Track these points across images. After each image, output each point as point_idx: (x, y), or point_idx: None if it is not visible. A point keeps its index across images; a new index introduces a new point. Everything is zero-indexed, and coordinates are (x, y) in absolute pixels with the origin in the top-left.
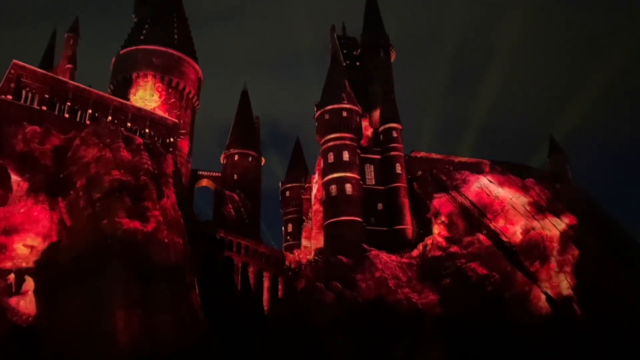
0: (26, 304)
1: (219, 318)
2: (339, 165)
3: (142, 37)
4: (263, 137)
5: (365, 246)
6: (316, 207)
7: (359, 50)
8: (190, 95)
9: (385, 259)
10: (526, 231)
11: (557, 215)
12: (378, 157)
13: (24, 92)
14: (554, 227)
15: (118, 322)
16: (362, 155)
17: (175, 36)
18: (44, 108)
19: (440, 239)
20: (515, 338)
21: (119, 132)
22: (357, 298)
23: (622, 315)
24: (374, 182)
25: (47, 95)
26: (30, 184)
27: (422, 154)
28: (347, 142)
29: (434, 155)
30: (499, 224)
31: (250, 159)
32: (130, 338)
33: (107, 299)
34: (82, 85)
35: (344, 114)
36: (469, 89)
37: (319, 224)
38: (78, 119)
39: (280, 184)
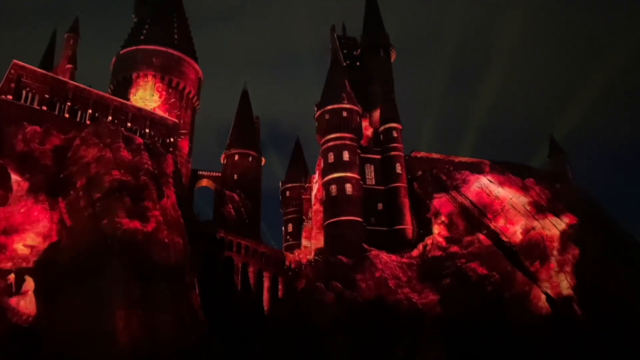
0: (26, 304)
1: (219, 318)
2: (339, 165)
3: (142, 37)
4: (263, 137)
5: (366, 246)
6: (316, 207)
7: (359, 50)
8: (191, 95)
9: (385, 259)
10: (526, 231)
11: (557, 215)
12: (378, 157)
13: (24, 92)
14: (554, 227)
15: (118, 322)
16: (362, 155)
17: (175, 36)
18: (44, 108)
19: (440, 239)
20: (515, 338)
21: (119, 132)
22: (357, 298)
23: (622, 315)
24: (374, 182)
25: (47, 95)
26: (31, 184)
27: (422, 154)
28: (347, 142)
29: (434, 155)
30: (499, 224)
31: (250, 159)
32: (130, 338)
33: (107, 299)
34: (82, 85)
35: (344, 114)
36: (469, 88)
37: (319, 224)
38: (78, 119)
39: (280, 184)
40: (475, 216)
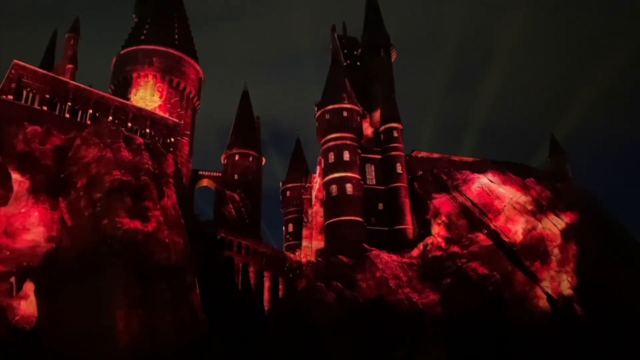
0: (27, 304)
1: (219, 318)
2: (339, 165)
3: (142, 37)
4: (264, 137)
5: (366, 246)
6: (317, 207)
7: (360, 50)
8: (191, 95)
9: (385, 259)
10: (527, 231)
11: (558, 214)
12: (379, 157)
13: (24, 92)
14: (555, 226)
15: (118, 322)
16: (362, 155)
17: (176, 36)
18: (45, 108)
19: (440, 239)
20: (515, 338)
21: (120, 132)
22: (357, 298)
23: (623, 315)
24: (374, 182)
25: (47, 95)
26: (31, 184)
27: (423, 153)
28: (348, 142)
29: (434, 155)
30: (499, 224)
31: (250, 158)
32: (131, 338)
33: (108, 299)
34: (82, 85)
35: (345, 113)
36: (469, 88)
37: (320, 224)
38: (79, 119)
39: (280, 184)
40: (476, 216)
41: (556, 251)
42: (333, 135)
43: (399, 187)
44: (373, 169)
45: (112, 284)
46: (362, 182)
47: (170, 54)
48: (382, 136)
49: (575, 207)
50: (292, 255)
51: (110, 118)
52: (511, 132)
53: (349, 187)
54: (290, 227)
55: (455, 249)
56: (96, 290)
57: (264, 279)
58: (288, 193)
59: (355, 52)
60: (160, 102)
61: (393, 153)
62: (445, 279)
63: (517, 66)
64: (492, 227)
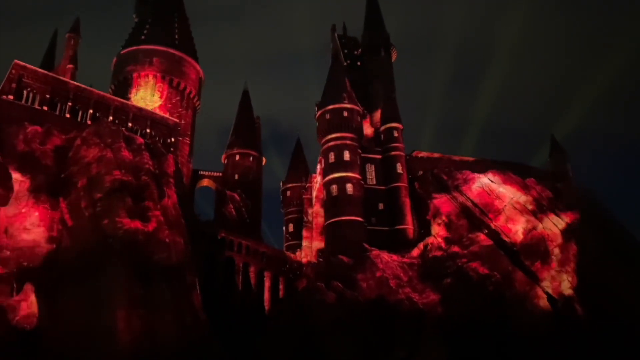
0: (27, 304)
1: (220, 318)
2: (339, 165)
3: (143, 37)
4: (264, 137)
5: (366, 246)
6: (317, 207)
7: (360, 50)
8: (191, 95)
9: (386, 259)
10: (527, 231)
11: (558, 214)
12: (379, 156)
13: (25, 92)
14: (555, 226)
15: (119, 322)
16: (363, 155)
17: (176, 36)
18: (45, 108)
19: (441, 239)
20: (516, 337)
21: (120, 132)
22: (358, 298)
23: (623, 315)
24: (375, 182)
25: (48, 96)
26: (32, 184)
27: (423, 153)
28: (348, 141)
29: (435, 155)
30: (500, 224)
31: (251, 158)
32: (131, 338)
33: (108, 299)
34: (83, 85)
35: (345, 113)
36: (469, 88)
37: (320, 224)
38: (79, 119)
39: (281, 184)
40: (476, 216)
41: (557, 251)
42: (333, 135)
43: (399, 187)
44: (373, 168)
45: (112, 284)
46: (362, 182)
47: (170, 54)
48: (382, 136)
49: (575, 207)
50: (292, 255)
51: (111, 118)
52: (511, 131)
53: (349, 187)
54: (291, 227)
55: (456, 248)
56: (97, 290)
57: (265, 279)
58: (288, 193)
59: (356, 52)
60: (160, 102)
61: (393, 153)
62: (446, 279)
63: (517, 66)
64: (493, 227)
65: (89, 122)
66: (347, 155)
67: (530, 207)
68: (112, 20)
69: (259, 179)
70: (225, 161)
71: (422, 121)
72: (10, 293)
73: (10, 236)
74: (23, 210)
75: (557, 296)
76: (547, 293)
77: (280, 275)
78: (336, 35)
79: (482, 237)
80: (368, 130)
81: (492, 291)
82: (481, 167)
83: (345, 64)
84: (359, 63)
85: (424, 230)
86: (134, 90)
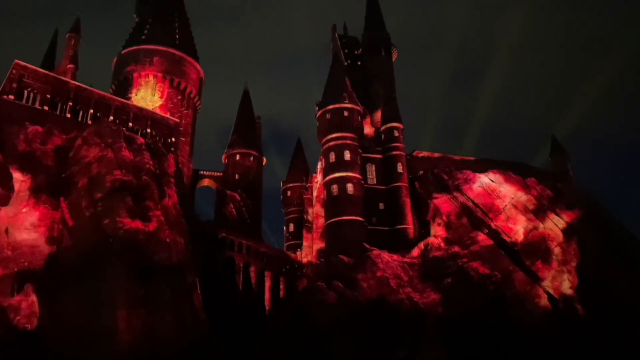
0: (27, 304)
1: (221, 318)
2: (340, 164)
3: (143, 37)
4: (264, 136)
5: (367, 246)
6: (317, 207)
7: (360, 50)
8: (192, 95)
9: (386, 259)
10: (528, 230)
11: (559, 214)
12: (379, 156)
13: (25, 92)
14: (556, 226)
15: (119, 321)
16: (363, 154)
17: (177, 36)
18: (46, 108)
19: (441, 239)
20: (516, 337)
21: (121, 132)
22: (358, 298)
23: (624, 315)
24: (375, 182)
25: (49, 95)
26: (32, 184)
27: (424, 153)
28: (349, 141)
29: (435, 155)
30: (500, 223)
31: (251, 158)
32: (132, 338)
33: (109, 299)
34: (83, 85)
35: (346, 113)
36: (470, 88)
37: (320, 224)
38: (80, 119)
39: (281, 184)
40: (477, 215)
41: (557, 250)
42: (334, 135)
43: (399, 187)
44: (374, 168)
45: (113, 283)
46: (362, 182)
47: (171, 53)
48: (382, 136)
49: (576, 207)
50: (293, 255)
51: (111, 118)
52: (512, 131)
53: (349, 187)
54: (291, 227)
55: (456, 248)
56: (97, 290)
57: (265, 278)
58: (289, 193)
59: (356, 52)
60: (161, 102)
61: (394, 153)
62: (446, 279)
63: (517, 66)
64: (493, 226)
65: (89, 122)
66: (347, 155)
67: (530, 206)
68: (112, 20)
69: (259, 179)
70: (226, 161)
71: (423, 121)
72: (11, 293)
73: (10, 236)
74: (24, 210)
75: (557, 296)
76: (547, 293)
77: (280, 275)
78: (337, 35)
79: (482, 237)
80: (368, 130)
81: (492, 291)
82: (482, 166)
83: (345, 63)
84: (359, 63)
85: (424, 230)
86: (134, 90)
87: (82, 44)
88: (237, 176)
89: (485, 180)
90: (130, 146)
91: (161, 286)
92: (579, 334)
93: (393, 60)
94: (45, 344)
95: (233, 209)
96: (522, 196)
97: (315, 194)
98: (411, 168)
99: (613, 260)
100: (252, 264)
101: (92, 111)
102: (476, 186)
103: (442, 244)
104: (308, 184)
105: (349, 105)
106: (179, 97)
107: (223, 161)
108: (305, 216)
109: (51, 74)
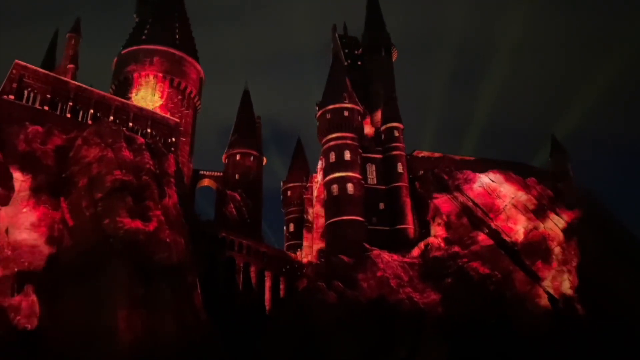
0: (27, 304)
1: (221, 318)
2: (340, 164)
3: (143, 37)
4: (264, 136)
5: (367, 246)
6: (317, 207)
7: (360, 50)
8: (192, 95)
9: (386, 259)
10: (528, 230)
11: (559, 214)
12: (380, 156)
13: (26, 92)
14: (556, 226)
15: (120, 321)
16: (363, 154)
17: (177, 36)
18: (46, 108)
19: (441, 239)
20: (516, 337)
21: (121, 132)
22: (358, 298)
23: (624, 315)
24: (375, 182)
25: (49, 95)
26: (33, 184)
27: (424, 153)
28: (349, 141)
29: (435, 155)
30: (500, 223)
31: (251, 158)
32: (132, 338)
33: (109, 299)
34: (84, 85)
35: (346, 113)
36: (470, 88)
37: (321, 223)
38: (80, 119)
39: (281, 184)
40: (477, 215)
41: (557, 250)
42: (334, 135)
43: (400, 187)
44: (374, 168)
45: (113, 283)
46: (363, 182)
47: (171, 53)
48: (383, 136)
49: (576, 207)
50: (293, 255)
51: (112, 118)
52: (512, 131)
53: (350, 187)
54: (291, 227)
55: (456, 248)
56: (97, 290)
57: (265, 278)
58: (289, 193)
59: (356, 52)
60: (161, 102)
61: (394, 153)
62: (446, 279)
63: (517, 66)
64: (493, 226)
65: (89, 122)
66: (347, 155)
67: (531, 206)
68: (112, 20)
69: (259, 179)
70: (226, 161)
71: (423, 121)
72: (11, 293)
73: (11, 236)
74: (24, 210)
75: (557, 296)
76: (547, 293)
77: (281, 275)
78: (337, 35)
79: (482, 237)
80: (369, 130)
81: (492, 291)
82: (482, 166)
83: (345, 63)
84: (359, 63)
85: (424, 230)
86: (134, 90)
87: (82, 44)
88: (237, 176)
89: (485, 180)
90: (131, 146)
91: (161, 286)
92: (579, 334)
93: (393, 60)
94: (45, 344)
95: (233, 209)
96: (522, 196)
97: (315, 194)
98: (411, 168)
99: (613, 260)
100: (252, 264)
101: (92, 111)
102: (476, 186)
103: (442, 244)
104: (308, 184)
105: (349, 105)
106: (179, 97)
107: (223, 161)
108: (305, 216)
109: (51, 74)
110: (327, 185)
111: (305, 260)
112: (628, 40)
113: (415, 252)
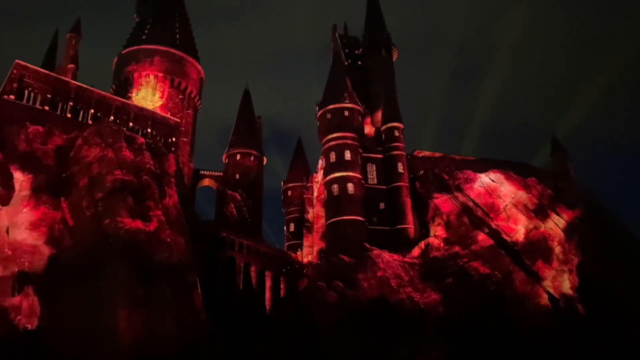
0: (28, 304)
1: (221, 318)
2: (340, 164)
3: (144, 37)
4: (265, 136)
5: (367, 245)
6: (318, 206)
7: (361, 50)
8: (192, 95)
9: (387, 259)
10: (528, 230)
11: (559, 214)
12: (380, 156)
13: (26, 92)
14: (556, 226)
15: (120, 321)
16: (364, 154)
17: (177, 36)
18: (47, 108)
19: (441, 239)
20: (517, 337)
21: (121, 132)
22: (359, 297)
23: (624, 315)
24: (376, 182)
25: (49, 95)
26: (33, 184)
27: (424, 153)
28: (349, 141)
29: (436, 155)
30: (501, 223)
31: (252, 158)
32: (132, 338)
33: (109, 299)
34: (84, 85)
35: (346, 113)
36: (470, 88)
37: (321, 223)
38: (80, 119)
39: (282, 184)
40: (477, 215)
41: (558, 250)
42: (334, 135)
43: (400, 187)
44: (374, 168)
45: (113, 283)
46: (363, 182)
47: (171, 53)
48: (383, 136)
49: (576, 206)
50: (293, 255)
51: (112, 118)
52: (512, 131)
53: (350, 187)
54: (292, 227)
55: (457, 248)
56: (97, 290)
57: (266, 278)
58: (289, 193)
59: (356, 52)
60: (161, 102)
61: (394, 152)
62: (447, 279)
63: (518, 66)
64: (494, 226)
65: (90, 122)
66: (348, 155)
67: (531, 206)
68: (112, 20)
69: (260, 179)
70: (226, 161)
71: (423, 121)
72: (12, 293)
73: (11, 236)
74: (24, 210)
75: (558, 295)
76: (548, 292)
77: (281, 275)
78: (337, 35)
79: (483, 237)
80: (369, 129)
81: (493, 291)
82: (482, 166)
83: (346, 63)
84: (359, 63)
85: (425, 229)
86: (135, 90)
87: (82, 44)
88: (237, 176)
89: (485, 179)
90: (131, 146)
91: (162, 286)
92: (579, 334)
93: (393, 60)
94: (45, 343)
95: (233, 209)
96: (522, 196)
97: (315, 193)
98: (412, 168)
99: (613, 260)
100: (252, 264)
101: (92, 111)
102: (477, 186)
103: (443, 244)
104: (308, 184)
105: (349, 105)
106: (180, 97)
107: (223, 161)
108: (305, 216)
109: (52, 74)
110: (328, 185)
111: (305, 260)
112: (628, 40)
113: (416, 252)
